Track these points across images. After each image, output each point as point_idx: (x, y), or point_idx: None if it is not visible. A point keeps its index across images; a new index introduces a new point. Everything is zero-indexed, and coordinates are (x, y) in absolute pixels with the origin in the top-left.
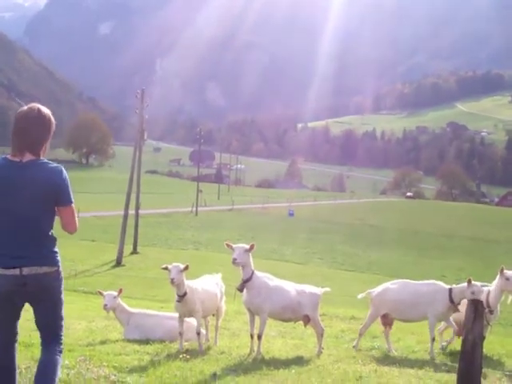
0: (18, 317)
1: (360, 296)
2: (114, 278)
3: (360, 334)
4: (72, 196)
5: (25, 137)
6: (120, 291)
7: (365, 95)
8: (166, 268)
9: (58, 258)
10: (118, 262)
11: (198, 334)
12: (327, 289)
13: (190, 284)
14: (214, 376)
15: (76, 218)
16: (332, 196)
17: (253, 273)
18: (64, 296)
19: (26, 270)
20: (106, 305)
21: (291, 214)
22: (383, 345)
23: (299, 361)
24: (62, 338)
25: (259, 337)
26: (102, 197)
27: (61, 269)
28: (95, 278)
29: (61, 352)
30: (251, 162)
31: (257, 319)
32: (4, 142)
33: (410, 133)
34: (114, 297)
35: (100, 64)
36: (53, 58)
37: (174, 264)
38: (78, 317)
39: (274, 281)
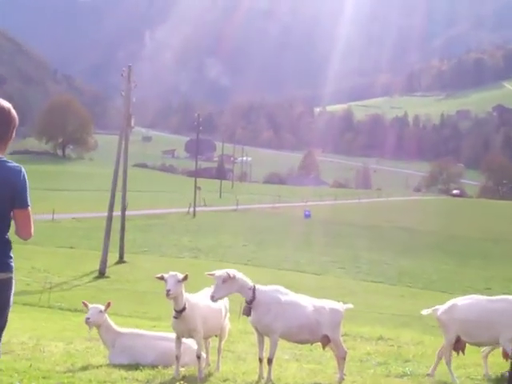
0: None
1: (425, 312)
2: (97, 292)
3: (439, 358)
4: (29, 199)
5: None
6: (108, 305)
7: (394, 73)
8: (161, 278)
9: (13, 264)
10: (102, 273)
11: (199, 357)
12: (350, 305)
13: (189, 298)
14: None
15: (32, 223)
16: (356, 194)
17: (254, 289)
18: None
19: None
20: (88, 318)
21: (307, 216)
22: (416, 370)
23: None
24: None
25: (269, 361)
26: (81, 195)
27: (13, 275)
28: (74, 292)
29: None
30: (259, 153)
31: (266, 340)
32: None
33: (448, 118)
34: (100, 311)
35: (78, 36)
36: (21, 28)
37: (171, 273)
38: (54, 338)
39: (286, 295)
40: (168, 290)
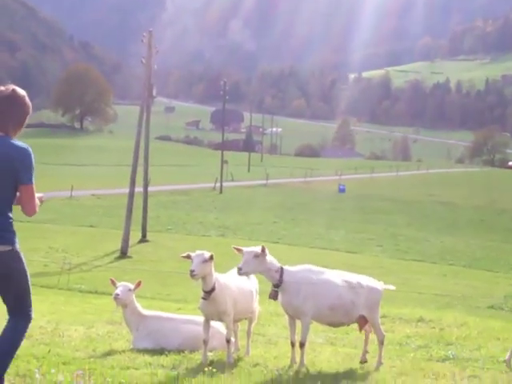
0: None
1: None
2: (119, 273)
3: None
4: (33, 177)
5: None
6: (138, 284)
7: (435, 36)
8: (187, 257)
9: (14, 238)
10: (124, 253)
11: (228, 341)
12: (391, 286)
13: (219, 278)
14: None
15: (36, 200)
16: (394, 166)
17: (282, 271)
18: (29, 279)
19: None
20: (117, 294)
21: (342, 190)
22: (460, 354)
23: (353, 374)
24: (28, 312)
25: (302, 345)
26: (101, 170)
27: (18, 247)
28: (94, 274)
29: (24, 322)
30: (289, 123)
31: (298, 323)
32: None
33: (493, 83)
34: (130, 289)
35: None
36: None
37: (198, 252)
38: (74, 322)
39: (318, 274)
40: (192, 271)
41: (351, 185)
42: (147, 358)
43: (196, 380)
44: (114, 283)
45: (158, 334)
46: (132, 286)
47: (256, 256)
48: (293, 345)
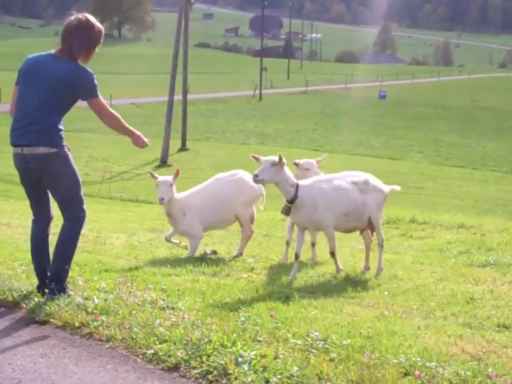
0: (42, 195)
1: None
2: None
3: None
4: (98, 91)
5: (64, 42)
6: (177, 174)
7: None
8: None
9: (61, 142)
10: (163, 162)
11: (313, 245)
12: (396, 187)
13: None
14: (287, 299)
15: (108, 109)
16: (435, 71)
17: (297, 187)
18: (75, 175)
19: (25, 150)
20: (162, 199)
21: (382, 96)
22: (501, 259)
23: (393, 280)
24: (79, 214)
25: (332, 254)
26: (139, 79)
27: (65, 151)
28: (135, 182)
29: (78, 221)
30: (330, 29)
31: (307, 236)
32: None
33: None
34: (171, 185)
35: None
36: None
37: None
38: (116, 229)
39: (328, 182)
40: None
41: (392, 91)
42: (189, 265)
43: (237, 286)
44: (153, 176)
45: (206, 209)
46: (171, 180)
47: (274, 164)
48: (297, 257)
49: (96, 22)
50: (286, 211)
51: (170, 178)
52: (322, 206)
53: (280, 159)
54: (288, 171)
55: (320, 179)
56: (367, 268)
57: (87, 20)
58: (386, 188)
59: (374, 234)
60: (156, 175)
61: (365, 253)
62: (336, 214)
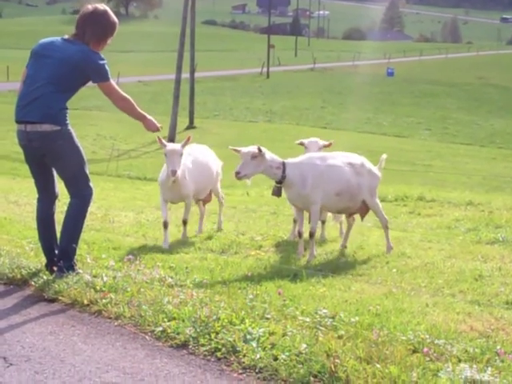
0: (46, 173)
1: None
2: None
3: None
4: (109, 75)
5: (78, 27)
6: (187, 140)
7: None
8: (301, 143)
9: (65, 120)
10: (171, 140)
11: (323, 222)
12: (383, 155)
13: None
14: (295, 277)
15: (119, 92)
16: (443, 48)
17: (284, 165)
18: (77, 154)
19: (29, 127)
20: (174, 171)
21: (390, 74)
22: (509, 236)
23: (402, 257)
24: (85, 191)
25: (311, 234)
26: (147, 56)
27: (69, 129)
28: (143, 160)
29: (84, 198)
30: (337, 6)
31: (306, 215)
32: None
33: None
34: (181, 154)
35: None
36: None
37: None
38: (124, 208)
39: (322, 160)
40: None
41: (400, 68)
42: (197, 242)
43: (245, 263)
44: (161, 142)
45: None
46: (181, 149)
47: (254, 157)
48: (300, 235)
49: (113, 14)
50: (277, 192)
51: (179, 146)
52: (313, 182)
53: (259, 150)
54: (269, 154)
55: (314, 156)
56: (344, 246)
57: (104, 9)
58: (379, 172)
59: (365, 217)
60: (164, 142)
61: (345, 232)
62: (326, 193)
